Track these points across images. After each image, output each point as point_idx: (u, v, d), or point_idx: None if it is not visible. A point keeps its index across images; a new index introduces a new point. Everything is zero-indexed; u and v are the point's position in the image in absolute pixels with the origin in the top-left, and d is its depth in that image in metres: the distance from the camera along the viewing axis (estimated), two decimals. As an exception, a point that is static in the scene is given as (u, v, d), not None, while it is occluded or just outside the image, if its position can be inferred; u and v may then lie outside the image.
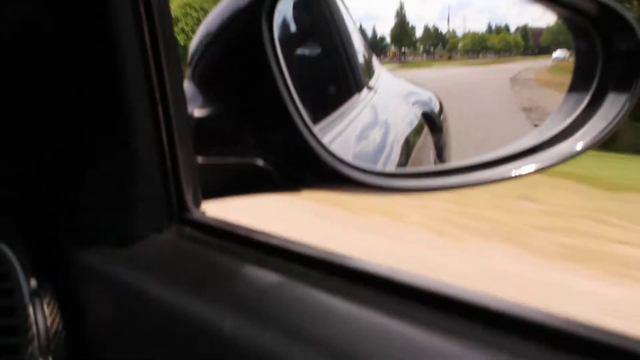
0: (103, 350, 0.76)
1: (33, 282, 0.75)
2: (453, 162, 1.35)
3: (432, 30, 1.10)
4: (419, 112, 1.60)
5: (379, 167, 1.12)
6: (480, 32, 1.09)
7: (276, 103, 0.76)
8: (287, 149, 0.79)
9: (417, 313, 0.54)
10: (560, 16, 1.08)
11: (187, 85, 0.82)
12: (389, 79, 1.57)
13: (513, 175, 0.91)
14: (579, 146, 0.92)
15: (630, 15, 0.91)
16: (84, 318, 0.77)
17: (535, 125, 1.02)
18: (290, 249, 0.67)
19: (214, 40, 0.81)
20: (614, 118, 0.91)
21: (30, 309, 0.73)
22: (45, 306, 0.75)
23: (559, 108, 1.00)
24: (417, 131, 1.51)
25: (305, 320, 0.57)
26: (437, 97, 1.64)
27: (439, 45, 1.15)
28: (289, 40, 1.22)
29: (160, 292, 0.68)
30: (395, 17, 1.07)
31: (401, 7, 1.07)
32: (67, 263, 0.79)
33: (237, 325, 0.59)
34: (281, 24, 1.14)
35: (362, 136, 1.30)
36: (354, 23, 1.47)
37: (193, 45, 0.83)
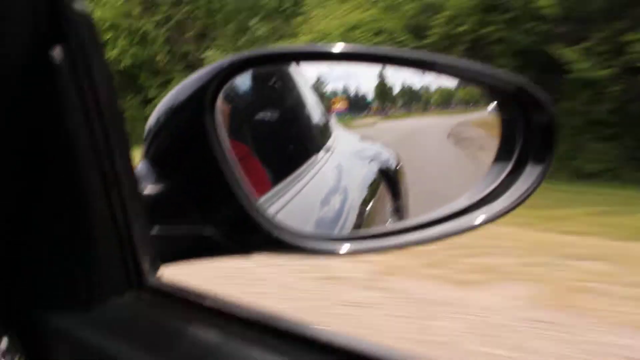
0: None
1: (4, 341, 0.82)
2: (398, 223, 1.43)
3: (407, 88, 1.19)
4: (375, 170, 1.67)
5: (334, 231, 1.20)
6: (448, 88, 1.19)
7: (219, 181, 0.85)
8: (231, 220, 0.87)
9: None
10: (483, 92, 1.18)
11: (142, 164, 0.91)
12: (346, 139, 1.63)
13: (451, 233, 1.00)
14: (503, 208, 1.01)
15: (542, 94, 1.00)
16: (51, 377, 0.84)
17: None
18: (230, 311, 0.75)
19: (164, 125, 0.90)
20: (532, 185, 1.00)
21: None
22: None
23: (488, 173, 1.09)
24: (374, 190, 1.58)
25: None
26: (395, 154, 1.70)
27: (414, 100, 1.24)
28: (250, 105, 1.31)
29: (118, 352, 0.76)
30: (377, 78, 1.16)
31: (381, 74, 1.16)
32: (36, 324, 0.86)
33: None
34: (242, 91, 1.23)
35: (317, 199, 1.38)
36: (311, 89, 1.55)
37: (147, 127, 0.91)
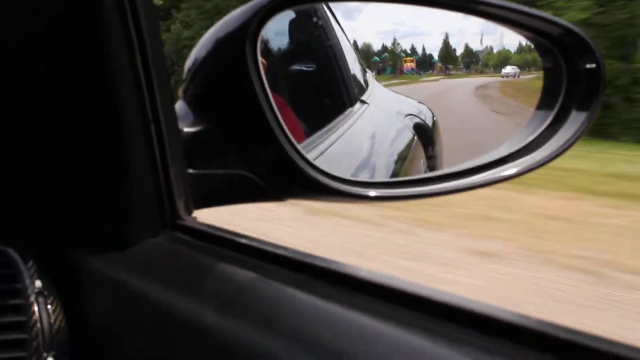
0: (103, 345, 0.83)
1: (38, 283, 0.82)
2: (430, 172, 1.41)
3: (469, 50, 1.24)
4: (411, 125, 1.65)
5: (366, 178, 1.18)
6: (505, 51, 1.21)
7: (260, 121, 0.83)
8: (270, 162, 0.86)
9: (372, 306, 0.60)
10: (525, 37, 1.15)
11: (180, 104, 0.90)
12: (383, 93, 1.62)
13: (488, 182, 0.98)
14: (545, 157, 0.98)
15: (588, 37, 0.97)
16: (85, 316, 0.84)
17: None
18: (265, 250, 0.74)
19: (203, 63, 0.88)
20: (574, 134, 0.97)
21: (36, 308, 0.80)
22: (49, 305, 0.81)
23: (529, 121, 1.07)
24: (409, 143, 1.57)
25: (276, 313, 0.64)
26: (431, 110, 1.69)
27: (473, 62, 1.31)
28: (286, 56, 1.29)
29: (152, 291, 0.76)
30: (442, 39, 1.20)
31: (446, 36, 1.19)
32: (70, 265, 0.86)
33: (217, 319, 0.66)
34: (278, 41, 1.22)
35: (353, 148, 1.36)
36: (349, 41, 1.53)
37: (186, 66, 0.90)
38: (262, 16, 0.86)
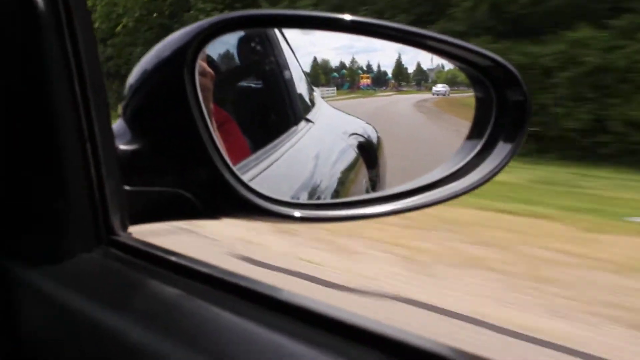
0: (33, 358, 0.84)
1: None
2: (359, 195, 1.45)
3: (420, 68, 1.33)
4: (355, 144, 1.68)
5: (309, 199, 1.21)
6: (454, 69, 1.32)
7: (195, 142, 0.85)
8: (204, 181, 0.88)
9: (292, 327, 0.63)
10: (458, 67, 1.19)
11: (120, 122, 0.91)
12: (329, 112, 1.65)
13: (415, 206, 1.02)
14: (472, 184, 1.02)
15: (515, 69, 1.02)
16: (17, 329, 0.85)
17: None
18: (193, 268, 0.76)
19: (143, 83, 0.90)
20: (500, 162, 1.02)
21: None
22: None
23: (460, 149, 1.11)
24: (352, 164, 1.59)
25: (199, 331, 0.66)
26: (375, 130, 1.72)
27: (424, 79, 1.43)
28: (234, 72, 1.32)
29: (84, 306, 0.77)
30: (396, 55, 1.28)
31: (399, 56, 1.30)
32: (4, 277, 0.87)
33: (143, 335, 0.68)
34: (227, 57, 1.24)
35: (294, 168, 1.39)
36: (297, 60, 1.56)
37: (126, 85, 0.92)
38: (201, 40, 0.89)
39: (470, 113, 1.25)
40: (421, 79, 1.45)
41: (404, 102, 1.50)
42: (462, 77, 1.34)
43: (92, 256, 0.85)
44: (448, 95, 1.39)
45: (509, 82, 1.04)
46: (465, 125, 1.18)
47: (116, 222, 0.87)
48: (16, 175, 0.85)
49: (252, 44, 1.41)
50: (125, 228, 0.89)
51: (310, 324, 0.63)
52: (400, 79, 1.43)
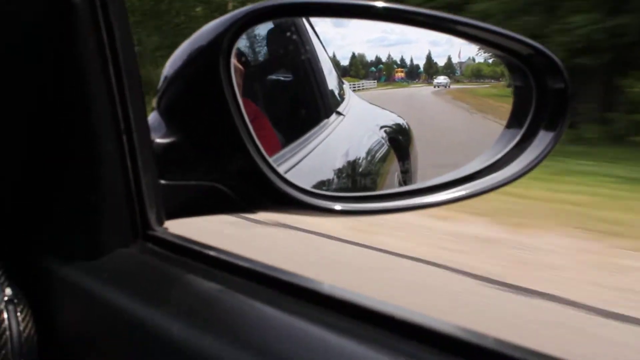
0: (72, 354, 0.83)
1: (8, 291, 0.82)
2: (399, 187, 1.43)
3: (449, 62, 1.45)
4: (386, 138, 1.66)
5: (334, 192, 1.20)
6: (478, 63, 1.46)
7: (231, 133, 0.84)
8: (241, 174, 0.87)
9: (334, 320, 0.61)
10: (497, 56, 1.17)
11: (154, 115, 0.90)
12: (359, 105, 1.64)
13: (456, 198, 1.00)
14: (511, 176, 1.00)
15: (557, 58, 0.99)
16: (55, 324, 0.84)
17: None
18: (233, 263, 0.75)
19: (177, 75, 0.89)
20: (542, 153, 1.00)
21: (5, 315, 0.80)
22: (19, 313, 0.81)
23: (498, 139, 1.09)
24: (383, 156, 1.58)
25: (241, 326, 0.65)
26: (407, 123, 1.71)
27: (452, 72, 1.49)
28: (264, 66, 1.31)
29: (121, 301, 0.76)
30: (428, 47, 1.39)
31: (429, 53, 1.40)
32: (40, 273, 0.87)
33: (184, 330, 0.67)
34: (257, 51, 1.23)
35: (326, 161, 1.38)
36: (326, 53, 1.55)
37: (161, 78, 0.91)
38: (236, 30, 0.87)
39: (475, 99, 1.55)
40: (450, 72, 1.49)
41: (427, 90, 1.55)
42: (486, 69, 1.47)
43: (130, 251, 0.84)
44: (449, 87, 1.51)
45: (549, 70, 1.02)
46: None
47: (152, 217, 0.86)
48: (53, 170, 0.85)
49: (282, 37, 1.40)
50: (161, 223, 0.88)
51: (354, 317, 0.61)
52: (431, 72, 1.47)
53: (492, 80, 1.46)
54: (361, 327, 0.60)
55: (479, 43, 1.15)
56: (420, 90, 1.54)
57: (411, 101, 1.60)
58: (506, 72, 1.16)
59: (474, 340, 0.54)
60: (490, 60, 1.39)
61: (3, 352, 0.78)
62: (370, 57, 1.44)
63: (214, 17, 0.92)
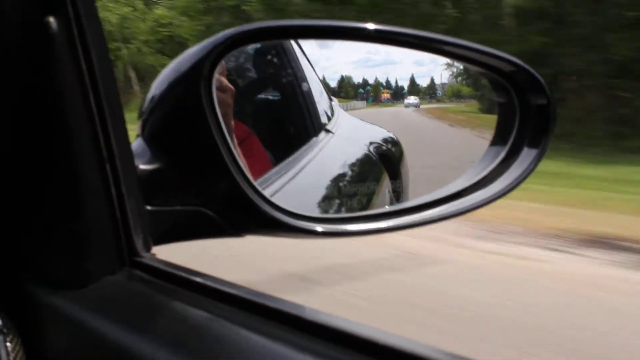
0: (61, 382, 0.84)
1: None
2: (382, 208, 1.43)
3: (431, 84, 1.51)
4: (377, 154, 1.67)
5: (332, 214, 1.20)
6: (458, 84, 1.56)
7: (215, 159, 0.84)
8: (225, 198, 0.87)
9: (323, 349, 0.61)
10: (479, 73, 1.18)
11: (138, 141, 0.91)
12: (348, 122, 1.64)
13: (441, 217, 1.00)
14: (497, 193, 1.01)
15: (538, 75, 1.00)
16: (44, 353, 0.84)
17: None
18: (219, 290, 0.75)
19: (160, 101, 0.89)
20: (526, 169, 1.00)
21: None
22: (8, 342, 0.81)
23: (484, 155, 1.09)
24: (373, 174, 1.58)
25: (227, 353, 0.65)
26: (397, 139, 1.71)
27: (435, 93, 1.55)
28: (252, 86, 1.31)
29: (109, 330, 0.76)
30: (413, 68, 1.44)
31: (412, 77, 1.47)
32: (29, 302, 0.87)
33: (169, 358, 0.67)
34: (244, 71, 1.23)
35: (315, 181, 1.38)
36: (314, 70, 1.56)
37: (144, 104, 0.91)
38: (217, 54, 0.87)
39: (447, 116, 1.61)
40: (433, 93, 1.56)
41: (409, 109, 1.58)
42: (465, 90, 1.62)
43: (116, 279, 0.84)
44: (418, 107, 1.54)
45: (531, 87, 1.02)
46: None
47: (139, 243, 0.86)
48: (38, 200, 0.85)
49: (269, 56, 1.41)
50: (148, 249, 0.88)
51: (341, 344, 0.62)
52: (415, 93, 1.52)
53: (472, 100, 1.62)
54: (349, 355, 0.60)
55: (462, 61, 1.16)
56: (404, 109, 1.58)
57: (397, 118, 1.62)
58: (489, 90, 1.17)
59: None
60: (465, 82, 1.59)
61: None
62: (356, 78, 1.47)
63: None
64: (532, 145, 1.02)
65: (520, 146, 1.03)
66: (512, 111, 1.06)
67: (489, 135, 1.25)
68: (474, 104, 1.60)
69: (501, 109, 1.12)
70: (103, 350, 0.77)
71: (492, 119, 1.24)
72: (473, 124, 1.57)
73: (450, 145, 1.69)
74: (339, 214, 1.20)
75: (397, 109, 1.55)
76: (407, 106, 1.52)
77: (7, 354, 0.81)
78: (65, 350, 0.83)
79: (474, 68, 1.15)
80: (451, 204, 1.02)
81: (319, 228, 0.93)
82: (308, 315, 0.66)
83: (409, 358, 0.57)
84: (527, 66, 1.02)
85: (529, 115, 1.03)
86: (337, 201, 1.29)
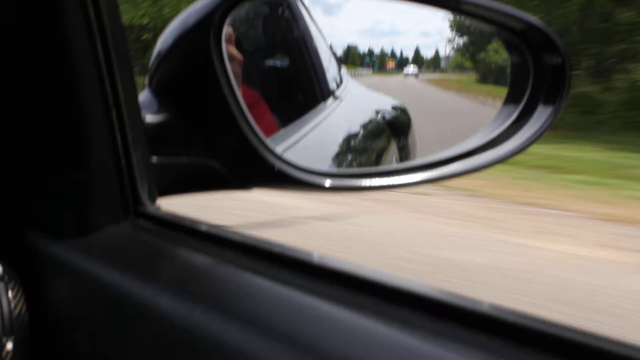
0: (63, 330, 0.82)
1: None
2: (395, 164, 1.43)
3: (435, 56, 1.58)
4: (384, 119, 1.66)
5: (326, 169, 1.19)
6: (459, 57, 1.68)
7: (224, 110, 0.83)
8: (234, 151, 0.86)
9: (326, 290, 0.60)
10: (493, 32, 1.16)
11: (146, 92, 0.89)
12: (356, 88, 1.64)
13: (450, 175, 0.99)
14: (510, 152, 0.99)
15: (552, 31, 0.98)
16: (46, 301, 0.83)
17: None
18: (224, 237, 0.74)
19: (168, 53, 0.87)
20: (541, 127, 0.98)
21: None
22: (9, 290, 0.81)
23: (496, 116, 1.08)
24: (380, 138, 1.58)
25: (231, 297, 0.64)
26: (404, 106, 1.71)
27: (438, 65, 1.63)
28: (260, 52, 1.30)
29: (112, 277, 0.75)
30: (418, 38, 1.51)
31: (417, 49, 1.54)
32: (31, 251, 0.86)
33: (172, 304, 0.66)
34: (253, 37, 1.22)
35: (323, 140, 1.37)
36: (323, 37, 1.55)
37: (152, 54, 0.89)
38: (226, 6, 0.86)
39: (443, 84, 1.71)
40: (437, 64, 1.61)
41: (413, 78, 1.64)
42: (468, 64, 1.73)
43: (120, 228, 0.83)
44: (417, 76, 1.61)
45: (546, 45, 1.00)
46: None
47: (144, 194, 0.85)
48: (42, 147, 0.84)
49: (277, 21, 1.40)
50: (153, 200, 0.87)
51: (344, 286, 0.61)
52: (419, 63, 1.58)
53: (471, 72, 1.75)
54: (351, 295, 0.59)
55: (476, 19, 1.14)
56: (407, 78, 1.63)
57: (401, 84, 1.65)
58: (503, 50, 1.15)
59: (465, 305, 0.53)
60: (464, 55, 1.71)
61: None
62: (361, 46, 1.53)
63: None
64: (547, 102, 1.00)
65: (535, 104, 1.01)
66: (525, 71, 1.04)
67: (468, 95, 1.51)
68: (473, 76, 1.72)
69: (514, 68, 1.10)
70: (105, 296, 0.76)
71: (481, 87, 1.47)
72: (462, 90, 1.71)
73: (435, 100, 1.79)
74: (347, 170, 1.19)
75: (400, 78, 1.59)
76: (406, 75, 1.58)
77: (9, 302, 0.80)
78: (67, 297, 0.82)
79: (487, 26, 1.13)
80: (463, 161, 1.01)
81: (327, 182, 0.92)
82: (313, 259, 0.65)
83: (410, 296, 0.56)
84: (541, 24, 1.00)
85: (543, 75, 1.01)
86: (344, 161, 1.29)
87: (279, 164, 0.86)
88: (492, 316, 0.52)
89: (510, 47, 1.10)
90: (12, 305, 0.80)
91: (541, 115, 1.00)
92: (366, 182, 0.97)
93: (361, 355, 0.52)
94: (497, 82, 1.38)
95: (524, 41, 1.03)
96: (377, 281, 0.59)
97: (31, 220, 0.87)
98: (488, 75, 1.69)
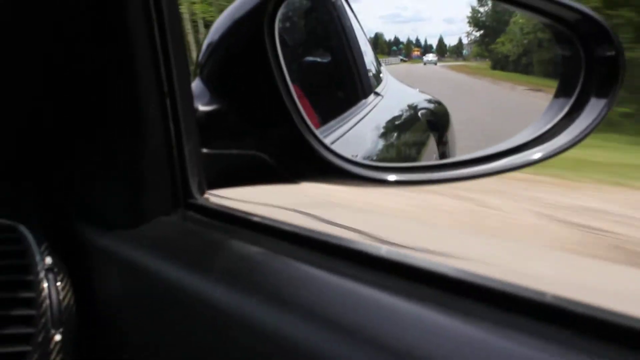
0: (111, 323, 0.82)
1: (48, 260, 0.82)
2: (448, 159, 1.42)
3: (459, 43, 1.76)
4: (424, 117, 1.66)
5: (384, 163, 1.18)
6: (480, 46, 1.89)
7: (275, 102, 0.82)
8: (284, 143, 0.85)
9: (385, 281, 0.59)
10: (543, 23, 1.14)
11: (197, 82, 0.89)
12: (395, 86, 1.64)
13: (505, 168, 0.98)
14: (561, 146, 0.97)
15: (606, 22, 0.96)
16: (94, 293, 0.84)
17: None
18: (276, 227, 0.73)
19: (221, 42, 0.87)
20: (593, 121, 0.96)
21: (45, 284, 0.79)
22: (58, 282, 0.81)
23: (547, 109, 1.06)
24: (421, 134, 1.57)
25: (286, 288, 0.63)
26: (442, 104, 1.71)
27: (460, 52, 1.80)
28: (301, 48, 1.29)
29: (163, 269, 0.75)
30: (442, 25, 1.64)
31: (441, 37, 1.68)
32: (80, 242, 0.86)
33: (225, 295, 0.65)
34: (294, 33, 1.22)
35: (365, 137, 1.36)
36: (365, 35, 1.55)
37: (204, 45, 0.89)
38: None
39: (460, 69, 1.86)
40: (460, 52, 1.76)
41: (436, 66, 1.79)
42: (485, 53, 1.98)
43: (171, 219, 0.83)
44: (436, 64, 1.77)
45: (598, 37, 0.98)
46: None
47: (194, 185, 0.84)
48: (95, 137, 0.84)
49: (320, 16, 1.39)
50: (202, 191, 0.86)
51: (404, 277, 0.59)
52: (442, 52, 1.72)
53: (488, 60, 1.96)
54: (411, 286, 0.58)
55: (526, 9, 1.12)
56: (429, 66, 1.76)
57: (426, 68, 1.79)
58: (553, 42, 1.13)
59: (527, 295, 0.52)
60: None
61: (43, 320, 0.78)
62: (386, 34, 1.67)
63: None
64: (600, 95, 0.98)
65: (587, 97, 0.99)
66: (576, 64, 1.02)
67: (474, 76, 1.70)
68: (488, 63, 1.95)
69: (565, 61, 1.08)
70: (156, 289, 0.75)
71: (493, 72, 1.69)
72: (473, 74, 1.89)
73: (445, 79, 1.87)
74: (403, 164, 1.18)
75: (421, 66, 1.74)
76: (425, 63, 1.73)
77: (57, 293, 0.80)
78: (115, 289, 0.82)
79: (537, 17, 1.11)
80: (515, 156, 1.00)
81: (391, 177, 0.91)
82: (367, 249, 0.64)
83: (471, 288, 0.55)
84: (594, 14, 0.98)
85: (595, 68, 0.99)
86: (392, 153, 1.28)
87: (331, 158, 0.85)
88: (555, 307, 0.50)
89: (560, 39, 1.08)
90: (61, 296, 0.80)
91: (594, 108, 0.98)
92: (430, 175, 0.96)
93: (427, 347, 0.51)
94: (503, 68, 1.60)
95: (576, 33, 1.01)
96: (437, 272, 0.58)
97: (81, 212, 0.88)
98: (497, 63, 1.89)
